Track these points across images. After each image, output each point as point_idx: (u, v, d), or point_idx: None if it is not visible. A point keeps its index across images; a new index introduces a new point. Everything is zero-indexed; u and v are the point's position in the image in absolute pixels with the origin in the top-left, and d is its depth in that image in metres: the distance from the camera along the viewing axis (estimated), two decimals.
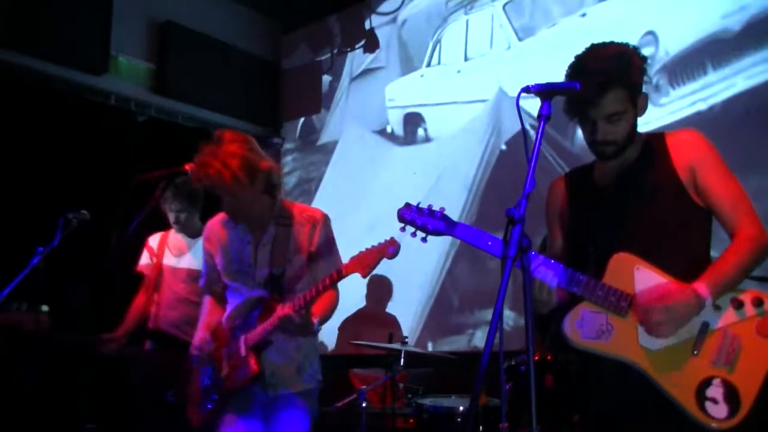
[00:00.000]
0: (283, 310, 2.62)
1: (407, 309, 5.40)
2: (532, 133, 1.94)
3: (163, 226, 3.95)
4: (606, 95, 2.05)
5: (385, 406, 3.98)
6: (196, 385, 2.91)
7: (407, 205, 2.21)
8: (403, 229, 2.20)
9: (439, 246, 5.19)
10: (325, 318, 2.83)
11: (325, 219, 2.91)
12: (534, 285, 2.01)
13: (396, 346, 3.89)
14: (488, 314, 4.79)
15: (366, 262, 2.55)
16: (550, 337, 3.44)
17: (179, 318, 3.66)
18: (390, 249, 2.52)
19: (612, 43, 2.15)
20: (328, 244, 2.89)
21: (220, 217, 2.96)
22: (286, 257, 2.82)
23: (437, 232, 2.15)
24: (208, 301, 3.03)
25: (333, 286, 2.68)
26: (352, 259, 2.59)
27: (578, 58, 2.13)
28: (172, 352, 3.48)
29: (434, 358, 4.48)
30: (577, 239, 2.23)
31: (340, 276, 2.60)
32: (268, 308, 2.74)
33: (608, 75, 2.04)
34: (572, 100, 2.08)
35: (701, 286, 1.95)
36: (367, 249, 2.58)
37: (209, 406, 2.82)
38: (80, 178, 4.76)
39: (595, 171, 2.29)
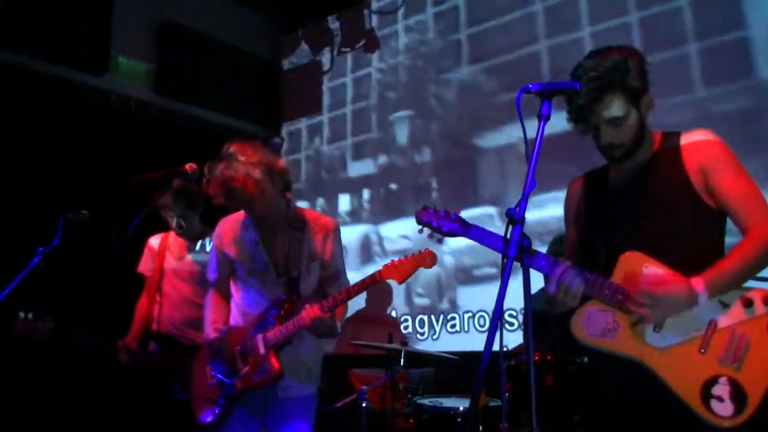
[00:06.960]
0: (313, 311, 2.65)
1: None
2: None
3: (164, 227, 3.94)
4: (603, 101, 2.06)
5: (385, 406, 3.97)
6: (204, 380, 2.89)
7: (425, 207, 2.27)
8: (420, 231, 2.25)
9: None
10: (342, 322, 2.89)
11: (337, 229, 2.96)
12: (560, 288, 2.02)
13: (396, 346, 3.89)
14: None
15: (404, 269, 2.65)
16: (550, 338, 3.44)
17: (181, 319, 3.65)
18: (428, 260, 2.65)
19: (611, 48, 2.15)
20: (339, 255, 2.94)
21: (236, 216, 2.98)
22: (301, 261, 2.84)
23: (452, 234, 2.20)
24: (213, 296, 3.02)
25: (365, 290, 2.73)
26: (388, 266, 2.67)
27: (578, 65, 2.14)
28: (175, 354, 3.48)
29: (434, 358, 4.47)
30: (590, 238, 2.25)
31: (375, 281, 2.67)
32: (286, 309, 2.76)
33: (605, 81, 2.05)
34: (573, 109, 2.09)
35: (697, 281, 1.94)
36: (405, 257, 2.67)
37: (217, 411, 2.80)
38: (80, 178, 4.76)
39: (611, 172, 2.30)
